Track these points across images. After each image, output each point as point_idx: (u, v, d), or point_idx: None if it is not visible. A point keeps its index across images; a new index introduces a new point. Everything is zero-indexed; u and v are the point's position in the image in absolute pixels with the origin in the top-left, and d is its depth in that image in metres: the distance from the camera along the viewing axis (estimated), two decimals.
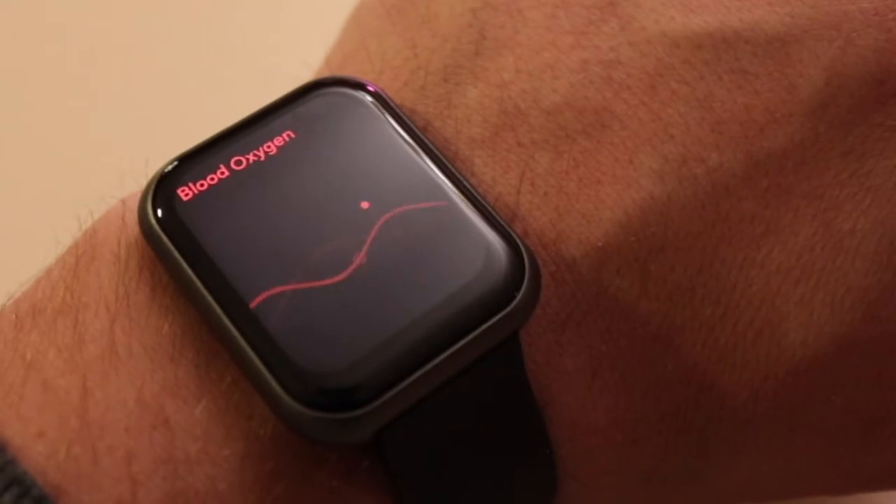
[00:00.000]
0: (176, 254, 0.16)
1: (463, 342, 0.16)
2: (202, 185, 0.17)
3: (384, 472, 0.16)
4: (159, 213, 0.16)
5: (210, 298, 0.16)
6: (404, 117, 0.18)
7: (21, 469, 0.15)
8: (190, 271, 0.16)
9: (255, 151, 0.17)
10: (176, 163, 0.17)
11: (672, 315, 0.17)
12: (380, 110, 0.18)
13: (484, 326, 0.16)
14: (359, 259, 0.16)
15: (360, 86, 0.18)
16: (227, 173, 0.17)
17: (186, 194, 0.17)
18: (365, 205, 0.17)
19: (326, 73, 0.20)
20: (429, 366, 0.15)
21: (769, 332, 0.17)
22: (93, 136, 0.31)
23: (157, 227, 0.16)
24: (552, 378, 0.17)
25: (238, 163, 0.17)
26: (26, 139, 0.32)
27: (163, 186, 0.17)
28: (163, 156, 0.17)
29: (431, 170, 0.17)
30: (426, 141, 0.17)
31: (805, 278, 0.17)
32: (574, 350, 0.17)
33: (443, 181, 0.17)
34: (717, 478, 0.18)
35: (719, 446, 0.18)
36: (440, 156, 0.17)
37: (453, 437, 0.16)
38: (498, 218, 0.17)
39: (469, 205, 0.17)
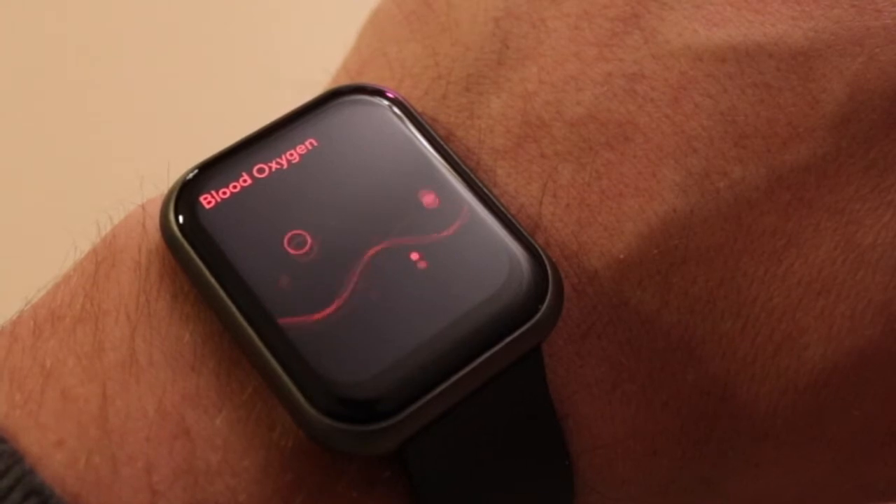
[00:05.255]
0: (198, 262, 0.16)
1: (487, 355, 0.16)
2: (225, 192, 0.17)
3: (405, 483, 0.16)
4: (181, 220, 0.16)
5: (233, 307, 0.16)
6: (426, 126, 0.18)
7: (39, 479, 0.15)
8: (213, 279, 0.16)
9: (278, 159, 0.17)
10: (198, 170, 0.17)
11: (693, 327, 0.17)
12: (402, 118, 0.18)
13: (508, 339, 0.16)
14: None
15: (382, 93, 0.18)
16: (249, 181, 0.17)
17: (209, 202, 0.16)
18: (389, 214, 0.17)
19: (345, 80, 0.20)
20: (453, 378, 0.15)
21: (789, 345, 0.17)
22: (112, 140, 0.31)
23: (179, 234, 0.16)
24: (572, 389, 0.17)
25: (261, 171, 0.17)
26: (45, 143, 0.32)
27: (185, 193, 0.16)
28: (181, 160, 0.17)
29: (455, 179, 0.17)
30: (448, 150, 0.17)
31: (826, 292, 0.17)
32: (594, 362, 0.17)
33: (466, 191, 0.17)
34: (735, 489, 0.18)
35: (738, 458, 0.18)
36: (462, 166, 0.17)
37: (474, 449, 0.16)
38: (521, 229, 0.17)
39: (492, 215, 0.17)
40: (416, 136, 0.17)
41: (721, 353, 0.17)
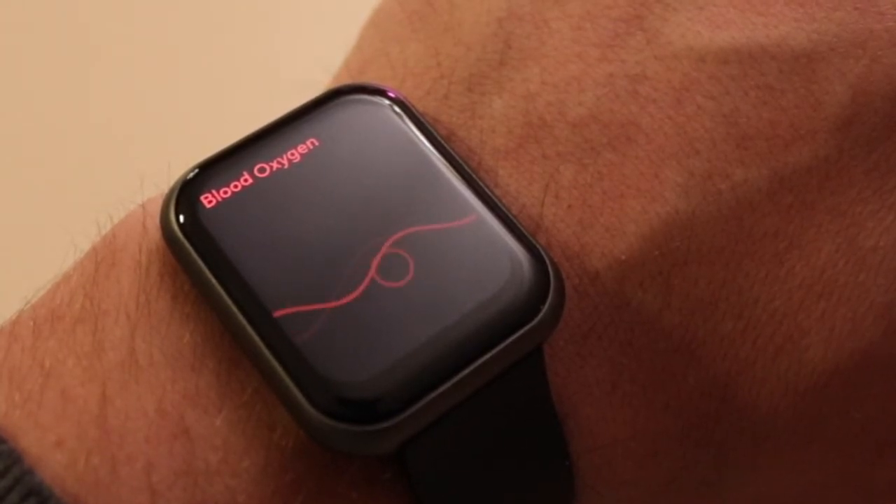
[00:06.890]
0: (199, 261, 0.16)
1: (488, 356, 0.16)
2: (225, 192, 0.17)
3: (405, 484, 0.16)
4: (182, 219, 0.16)
5: (233, 307, 0.16)
6: (428, 126, 0.17)
7: (38, 479, 0.15)
8: (213, 279, 0.16)
9: (279, 159, 0.17)
10: (198, 169, 0.17)
11: (694, 328, 0.17)
12: (403, 119, 0.17)
13: (509, 340, 0.16)
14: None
15: (383, 93, 0.18)
16: (250, 181, 0.17)
17: (210, 201, 0.16)
18: (390, 214, 0.17)
19: (346, 79, 0.20)
20: (454, 379, 0.15)
21: (790, 347, 0.17)
22: (112, 139, 0.31)
23: (179, 234, 0.16)
24: (573, 390, 0.17)
25: (262, 170, 0.17)
26: (45, 143, 0.31)
27: (185, 193, 0.16)
28: (182, 160, 0.17)
29: (456, 180, 0.17)
30: (450, 150, 0.17)
31: (827, 294, 0.17)
32: (595, 362, 0.17)
33: (467, 192, 0.17)
34: (735, 490, 0.19)
35: (738, 460, 0.18)
36: (464, 166, 0.17)
37: (475, 449, 0.16)
38: (523, 230, 0.17)
39: (494, 216, 0.17)
40: (417, 136, 0.17)
41: (722, 354, 0.17)
